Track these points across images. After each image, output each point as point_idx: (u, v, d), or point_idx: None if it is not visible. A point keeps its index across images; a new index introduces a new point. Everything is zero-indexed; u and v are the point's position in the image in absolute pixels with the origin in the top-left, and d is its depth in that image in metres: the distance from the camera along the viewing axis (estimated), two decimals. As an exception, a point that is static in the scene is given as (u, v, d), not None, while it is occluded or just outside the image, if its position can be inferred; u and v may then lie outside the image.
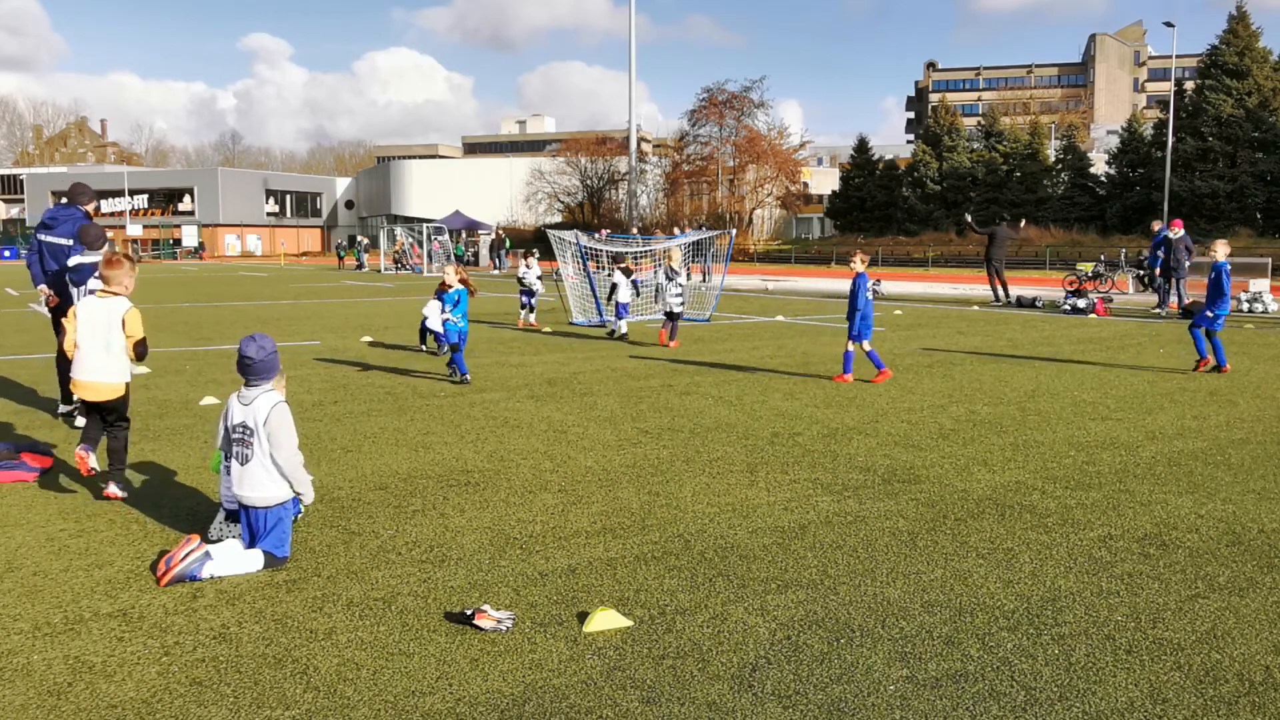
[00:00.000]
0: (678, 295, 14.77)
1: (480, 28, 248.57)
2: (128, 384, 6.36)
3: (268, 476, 5.03)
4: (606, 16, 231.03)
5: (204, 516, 5.79)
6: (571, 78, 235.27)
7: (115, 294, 6.28)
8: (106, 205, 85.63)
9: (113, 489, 6.16)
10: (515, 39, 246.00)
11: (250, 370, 5.13)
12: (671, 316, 14.81)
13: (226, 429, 5.16)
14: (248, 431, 5.04)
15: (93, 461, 6.20)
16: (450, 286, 11.31)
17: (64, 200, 9.11)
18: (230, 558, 4.86)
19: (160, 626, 4.25)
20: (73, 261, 8.50)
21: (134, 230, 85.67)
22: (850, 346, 11.08)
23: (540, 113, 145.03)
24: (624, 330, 15.93)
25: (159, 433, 8.32)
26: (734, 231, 28.56)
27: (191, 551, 4.78)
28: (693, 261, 24.04)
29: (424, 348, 14.23)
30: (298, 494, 5.16)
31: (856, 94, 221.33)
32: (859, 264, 11.00)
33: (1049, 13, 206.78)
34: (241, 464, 5.04)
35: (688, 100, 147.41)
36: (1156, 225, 22.88)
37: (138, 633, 4.19)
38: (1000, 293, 24.11)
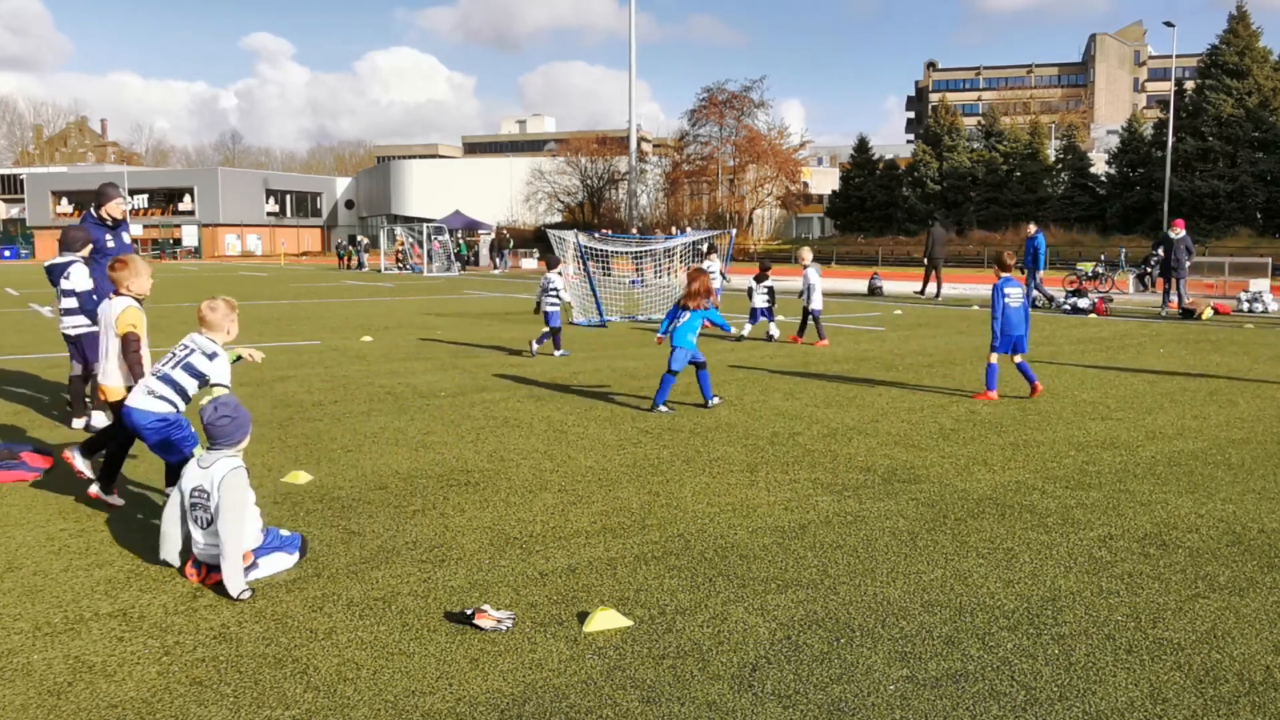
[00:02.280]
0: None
1: (482, 28, 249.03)
2: (130, 388, 6.04)
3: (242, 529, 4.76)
4: (610, 16, 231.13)
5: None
6: (573, 77, 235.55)
7: (121, 295, 6.29)
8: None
9: (94, 488, 6.08)
10: (518, 39, 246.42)
11: (209, 434, 4.87)
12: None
13: (182, 493, 4.87)
14: (204, 495, 4.76)
15: (79, 464, 6.15)
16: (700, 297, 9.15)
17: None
18: (268, 562, 4.83)
19: (160, 626, 4.25)
20: (48, 262, 8.62)
21: (134, 230, 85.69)
22: (992, 359, 9.95)
23: (541, 112, 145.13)
24: (774, 332, 16.18)
25: (159, 433, 8.31)
26: (734, 231, 28.58)
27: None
28: (693, 262, 24.13)
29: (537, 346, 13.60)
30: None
31: (857, 94, 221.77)
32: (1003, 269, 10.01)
33: (1049, 13, 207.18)
34: (202, 528, 4.75)
35: (689, 100, 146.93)
36: (1032, 228, 23.23)
37: (138, 633, 4.19)
38: (934, 289, 26.02)
